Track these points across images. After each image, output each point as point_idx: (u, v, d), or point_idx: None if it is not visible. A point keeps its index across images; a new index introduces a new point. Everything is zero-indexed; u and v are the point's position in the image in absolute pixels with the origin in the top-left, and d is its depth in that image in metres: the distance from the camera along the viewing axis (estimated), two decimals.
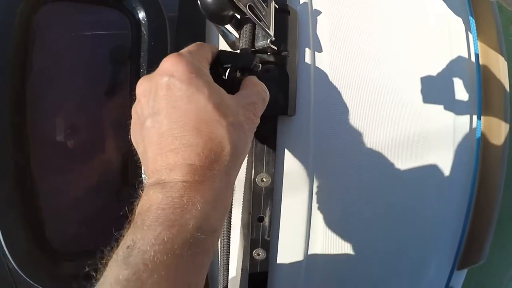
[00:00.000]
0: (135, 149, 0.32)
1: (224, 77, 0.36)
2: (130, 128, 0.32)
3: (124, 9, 0.43)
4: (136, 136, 0.30)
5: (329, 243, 0.52)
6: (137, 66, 0.42)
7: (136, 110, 0.30)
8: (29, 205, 0.40)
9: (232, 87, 0.36)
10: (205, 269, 0.27)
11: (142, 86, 0.29)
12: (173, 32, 0.44)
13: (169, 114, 0.27)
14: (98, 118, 0.43)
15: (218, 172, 0.27)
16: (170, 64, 0.27)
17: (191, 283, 0.25)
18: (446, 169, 0.57)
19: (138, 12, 0.42)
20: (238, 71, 0.37)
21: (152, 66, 0.42)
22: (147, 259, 0.23)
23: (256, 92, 0.34)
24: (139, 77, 0.41)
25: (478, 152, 0.60)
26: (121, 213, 0.46)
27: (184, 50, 0.30)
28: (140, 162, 0.31)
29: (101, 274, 0.25)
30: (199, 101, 0.27)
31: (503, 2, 0.47)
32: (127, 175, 0.45)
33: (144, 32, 0.42)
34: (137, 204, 0.27)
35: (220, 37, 0.46)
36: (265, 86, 0.36)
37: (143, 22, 0.42)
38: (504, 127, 0.61)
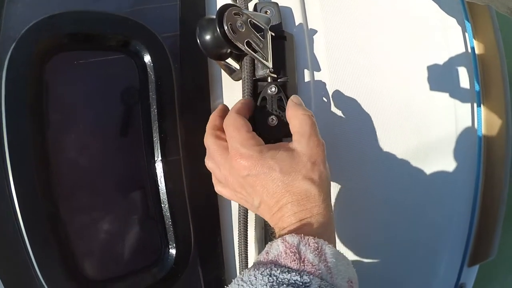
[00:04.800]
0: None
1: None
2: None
3: (129, 53, 0.46)
4: (249, 205, 0.43)
5: (339, 246, 0.55)
6: (147, 106, 0.45)
7: (240, 197, 0.42)
8: (63, 244, 0.44)
9: (280, 129, 0.44)
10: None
11: (237, 185, 0.41)
12: (177, 69, 0.47)
13: (267, 195, 0.39)
14: (116, 159, 0.46)
15: (316, 204, 0.38)
16: (243, 166, 0.38)
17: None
18: (451, 167, 0.60)
19: (144, 55, 0.45)
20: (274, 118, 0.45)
21: (162, 104, 0.46)
22: None
23: (302, 123, 0.41)
24: (150, 117, 0.45)
25: (480, 148, 0.63)
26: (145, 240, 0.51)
27: (237, 145, 0.39)
28: None
29: None
30: (276, 178, 0.38)
31: (492, 4, 0.48)
32: (147, 207, 0.48)
33: (151, 73, 0.45)
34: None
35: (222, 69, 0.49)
36: (301, 109, 0.43)
37: (149, 63, 0.45)
38: (505, 121, 0.63)
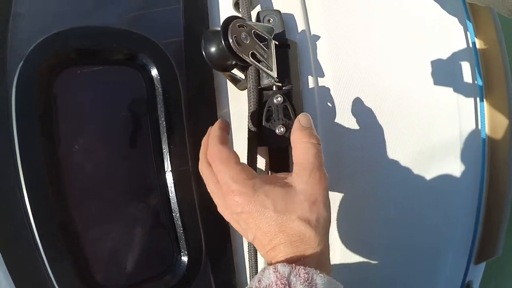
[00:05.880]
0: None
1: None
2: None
3: (136, 66, 0.47)
4: (244, 236, 0.42)
5: (345, 246, 0.56)
6: (156, 117, 0.47)
7: (237, 226, 0.41)
8: (76, 253, 0.45)
9: (289, 138, 0.43)
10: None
11: (231, 219, 0.41)
12: (184, 81, 0.48)
13: (260, 234, 0.38)
14: (126, 170, 0.48)
15: (310, 246, 0.37)
16: (236, 203, 0.37)
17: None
18: (456, 168, 0.61)
19: (151, 68, 0.46)
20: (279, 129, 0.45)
21: (170, 116, 0.47)
22: None
23: (305, 152, 0.39)
24: (159, 129, 0.46)
25: (484, 147, 0.63)
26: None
27: (228, 180, 0.38)
28: None
29: None
30: (270, 217, 0.37)
31: (493, 6, 0.49)
32: (158, 216, 0.50)
33: (157, 86, 0.46)
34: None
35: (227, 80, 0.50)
36: (307, 134, 0.40)
37: (156, 76, 0.46)
38: (510, 122, 0.63)
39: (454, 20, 0.63)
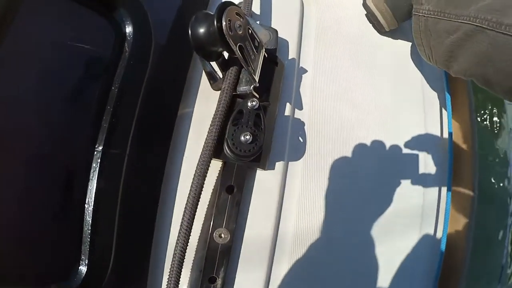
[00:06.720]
0: None
1: None
2: None
3: (112, 20, 0.41)
4: None
5: None
6: (110, 82, 0.39)
7: None
8: None
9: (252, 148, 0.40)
10: None
11: None
12: (156, 57, 0.42)
13: None
14: (50, 131, 0.38)
15: None
16: None
17: None
18: (413, 250, 0.57)
19: (126, 26, 0.40)
20: None
21: (125, 86, 0.40)
22: None
23: None
24: (108, 95, 0.39)
25: (446, 231, 0.60)
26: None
27: None
28: None
29: None
30: None
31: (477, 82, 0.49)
32: (65, 203, 0.39)
33: (127, 48, 0.40)
34: None
35: (203, 74, 0.45)
36: None
37: (128, 38, 0.40)
38: (470, 208, 0.62)
39: (434, 94, 0.64)
